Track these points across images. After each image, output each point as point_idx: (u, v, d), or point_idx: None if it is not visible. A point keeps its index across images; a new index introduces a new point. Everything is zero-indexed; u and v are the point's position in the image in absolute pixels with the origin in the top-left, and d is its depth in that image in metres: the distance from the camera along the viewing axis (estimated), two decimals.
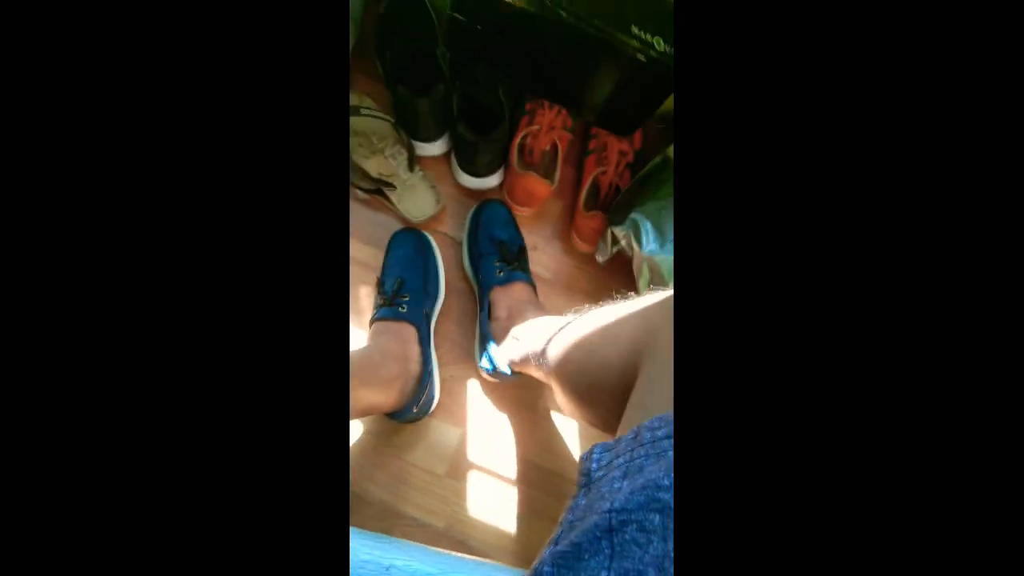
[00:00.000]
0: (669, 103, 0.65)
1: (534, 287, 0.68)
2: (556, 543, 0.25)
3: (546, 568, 0.23)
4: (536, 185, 0.68)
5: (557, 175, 0.70)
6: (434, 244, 0.71)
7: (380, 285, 0.67)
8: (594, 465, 0.29)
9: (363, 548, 0.30)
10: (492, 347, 0.62)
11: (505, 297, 0.65)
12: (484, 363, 0.64)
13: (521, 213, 0.74)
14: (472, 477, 0.68)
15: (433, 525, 0.65)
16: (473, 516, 0.66)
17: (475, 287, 0.70)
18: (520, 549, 0.66)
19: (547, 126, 0.70)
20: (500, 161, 0.72)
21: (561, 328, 0.49)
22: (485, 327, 0.65)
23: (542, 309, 0.64)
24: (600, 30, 0.58)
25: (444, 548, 0.33)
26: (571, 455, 0.69)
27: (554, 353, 0.48)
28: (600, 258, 0.71)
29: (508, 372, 0.61)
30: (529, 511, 0.67)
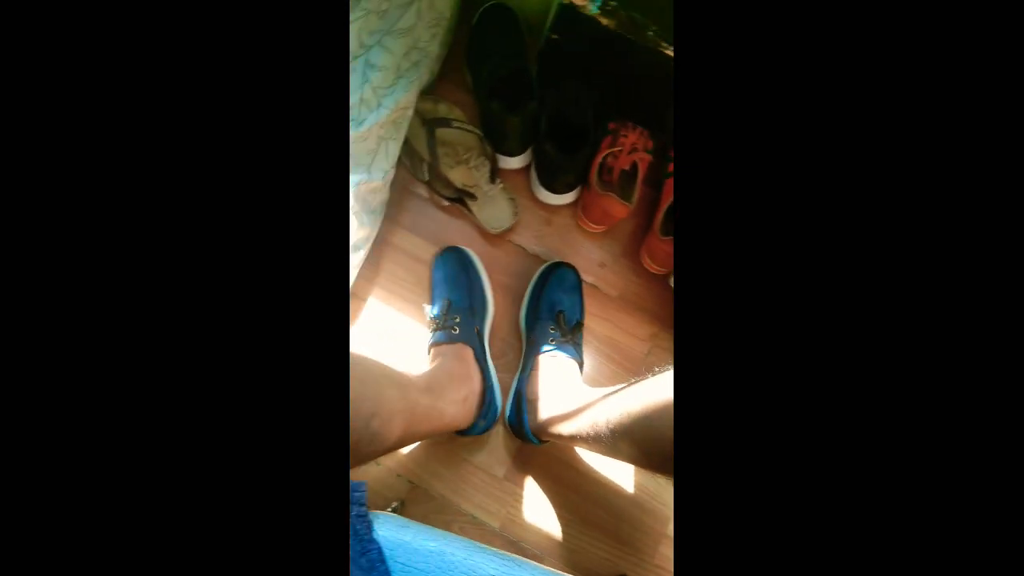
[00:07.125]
0: None
1: (581, 365, 0.67)
2: None
3: None
4: (614, 206, 0.69)
5: (635, 196, 0.70)
6: (476, 259, 0.72)
7: (431, 308, 0.69)
8: None
9: (430, 540, 0.33)
10: (526, 407, 0.64)
11: (550, 367, 0.65)
12: (513, 419, 0.67)
13: (593, 231, 0.75)
14: (528, 482, 0.70)
15: (488, 524, 0.69)
16: (527, 519, 0.69)
17: (523, 344, 0.71)
18: (568, 554, 0.68)
19: (629, 147, 0.71)
20: (579, 180, 0.73)
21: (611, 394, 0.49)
22: (522, 385, 0.66)
23: (583, 387, 0.64)
24: None
25: (498, 547, 0.36)
26: (622, 469, 0.70)
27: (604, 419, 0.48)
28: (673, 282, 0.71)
29: (534, 440, 0.64)
30: (580, 519, 0.69)
